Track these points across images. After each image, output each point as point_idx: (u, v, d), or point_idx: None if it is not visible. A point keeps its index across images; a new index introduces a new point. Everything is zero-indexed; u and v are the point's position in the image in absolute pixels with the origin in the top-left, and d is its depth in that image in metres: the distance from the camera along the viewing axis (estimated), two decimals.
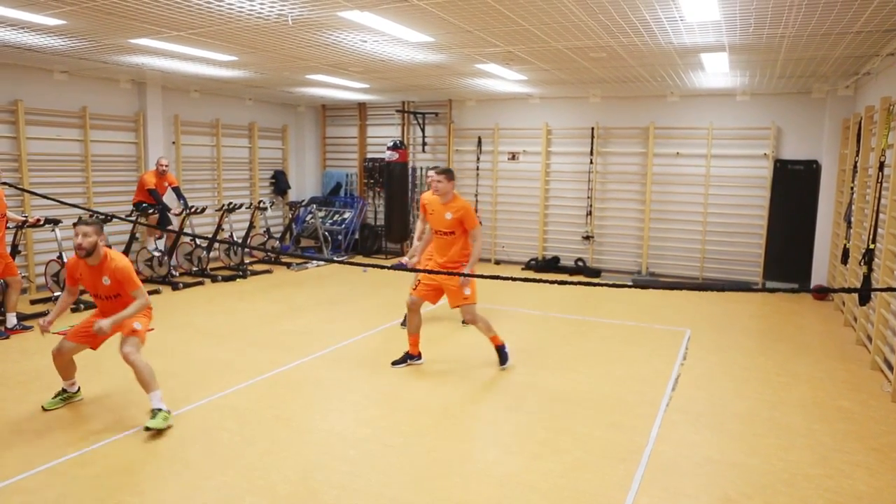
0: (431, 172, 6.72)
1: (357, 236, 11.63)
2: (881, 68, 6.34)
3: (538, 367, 5.34)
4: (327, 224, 11.50)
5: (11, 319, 6.04)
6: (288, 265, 9.99)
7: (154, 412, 3.91)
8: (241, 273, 9.10)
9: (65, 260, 7.19)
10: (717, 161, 9.24)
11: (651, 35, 5.46)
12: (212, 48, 6.39)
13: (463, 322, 6.58)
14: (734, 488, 3.39)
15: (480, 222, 5.46)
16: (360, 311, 7.23)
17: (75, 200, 8.14)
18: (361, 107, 11.87)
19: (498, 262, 10.82)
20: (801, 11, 4.59)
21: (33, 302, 7.17)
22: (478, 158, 10.83)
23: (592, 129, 9.90)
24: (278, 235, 10.87)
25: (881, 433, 4.12)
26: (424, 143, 11.25)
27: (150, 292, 7.05)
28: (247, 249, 10.28)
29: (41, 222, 6.66)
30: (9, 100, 7.60)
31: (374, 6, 4.70)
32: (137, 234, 8.47)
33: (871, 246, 5.47)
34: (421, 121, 11.11)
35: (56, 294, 7.16)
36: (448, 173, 5.13)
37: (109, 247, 4.18)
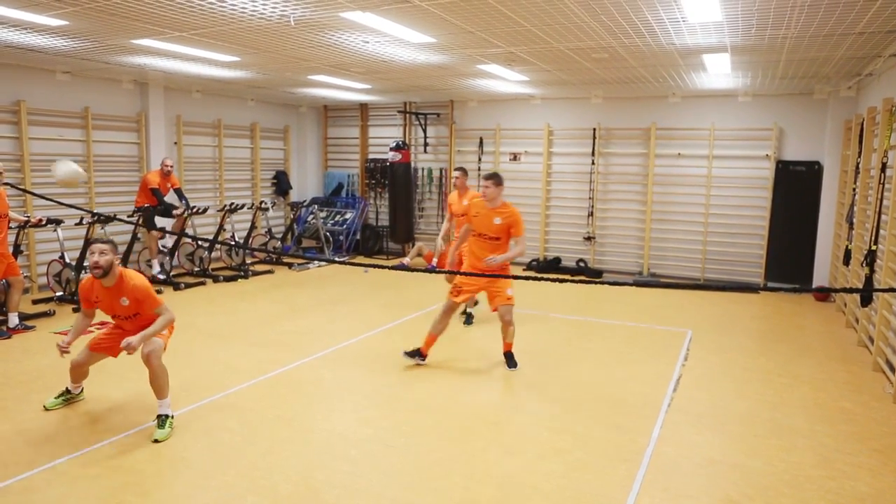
0: (457, 173, 6.72)
1: (358, 237, 11.63)
2: (883, 69, 6.33)
3: (539, 367, 5.34)
4: (329, 224, 11.50)
5: (13, 319, 6.05)
6: (289, 265, 9.99)
7: (161, 420, 3.90)
8: (242, 273, 9.11)
9: (67, 260, 7.20)
10: (719, 162, 9.23)
11: (653, 36, 5.46)
12: (214, 49, 6.40)
13: (465, 322, 6.60)
14: (736, 489, 3.39)
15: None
16: (361, 311, 7.24)
17: (77, 201, 8.16)
18: (363, 107, 11.88)
19: None
20: (803, 12, 4.59)
21: (35, 302, 7.17)
22: (479, 159, 10.83)
23: (594, 129, 9.90)
24: (280, 236, 10.89)
25: (883, 434, 4.11)
26: (426, 144, 11.26)
27: None
28: (248, 250, 10.28)
29: (43, 222, 6.67)
30: (11, 100, 7.61)
31: (376, 7, 4.71)
32: (139, 235, 8.47)
33: (873, 247, 5.47)
34: (422, 121, 11.11)
35: (58, 294, 7.18)
36: (496, 178, 5.11)
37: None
